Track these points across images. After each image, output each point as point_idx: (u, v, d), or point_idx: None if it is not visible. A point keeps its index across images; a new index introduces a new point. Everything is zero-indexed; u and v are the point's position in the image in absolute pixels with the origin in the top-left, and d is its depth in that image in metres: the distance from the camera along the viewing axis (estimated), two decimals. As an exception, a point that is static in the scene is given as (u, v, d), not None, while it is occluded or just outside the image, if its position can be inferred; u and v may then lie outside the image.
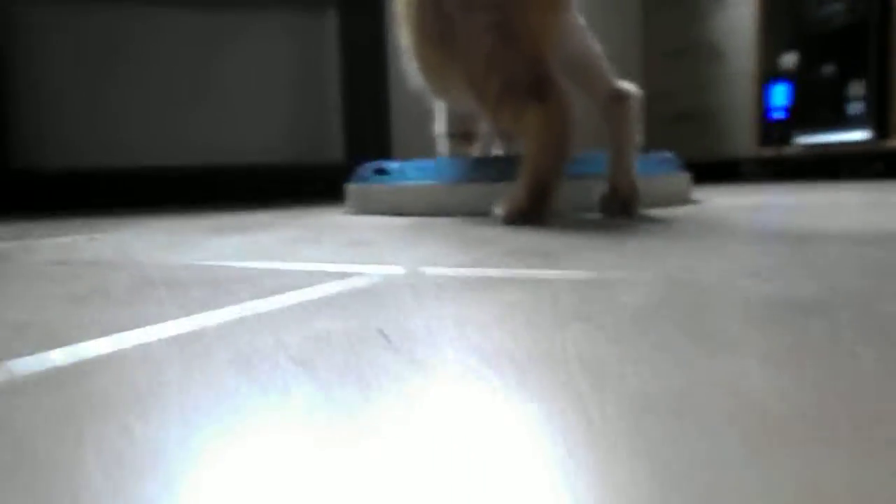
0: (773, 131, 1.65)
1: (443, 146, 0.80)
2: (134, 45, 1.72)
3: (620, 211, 0.63)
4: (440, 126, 0.80)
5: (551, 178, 0.55)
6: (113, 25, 1.71)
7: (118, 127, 1.73)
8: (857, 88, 1.41)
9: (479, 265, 0.34)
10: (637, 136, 0.65)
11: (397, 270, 0.33)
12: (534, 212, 0.55)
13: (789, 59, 1.61)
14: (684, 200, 0.79)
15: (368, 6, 1.54)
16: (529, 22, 0.56)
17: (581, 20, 0.64)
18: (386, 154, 1.64)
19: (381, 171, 0.79)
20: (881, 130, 1.39)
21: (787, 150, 1.60)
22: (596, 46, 0.64)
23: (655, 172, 0.75)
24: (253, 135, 1.84)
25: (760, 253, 0.35)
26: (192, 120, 1.78)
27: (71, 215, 1.07)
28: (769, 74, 1.67)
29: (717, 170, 1.87)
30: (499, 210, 0.57)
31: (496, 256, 0.37)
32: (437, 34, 0.62)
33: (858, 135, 1.41)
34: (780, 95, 1.64)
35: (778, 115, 1.64)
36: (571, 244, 0.41)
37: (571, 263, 0.33)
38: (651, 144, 2.07)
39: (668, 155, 0.84)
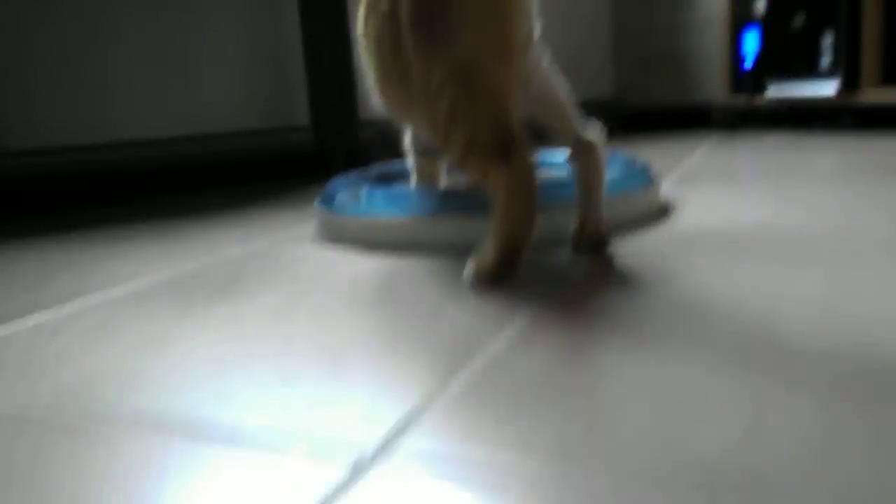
0: (745, 79, 1.63)
1: (410, 161, 0.79)
2: (91, 16, 1.64)
3: (591, 250, 0.64)
4: (407, 142, 0.78)
5: (520, 240, 0.55)
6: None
7: (79, 102, 1.66)
8: (827, 40, 1.39)
9: (457, 433, 0.34)
10: (604, 181, 0.64)
11: (367, 449, 0.33)
12: (504, 273, 0.55)
13: (760, 5, 1.57)
14: (655, 213, 0.78)
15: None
16: (489, 79, 0.54)
17: (546, 58, 0.62)
18: (353, 113, 1.59)
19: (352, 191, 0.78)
20: (851, 84, 1.37)
21: (759, 99, 1.58)
22: (561, 88, 0.63)
23: (623, 190, 0.74)
24: (215, 103, 1.78)
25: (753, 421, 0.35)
26: (147, 90, 1.72)
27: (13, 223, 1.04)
28: (741, 20, 1.63)
29: (689, 116, 1.86)
30: (470, 269, 0.57)
31: (473, 410, 0.37)
32: (399, 75, 0.59)
33: (829, 87, 1.40)
34: (751, 42, 1.61)
35: (749, 62, 1.62)
36: (537, 372, 0.41)
37: (531, 447, 0.33)
38: (622, 89, 2.05)
39: (635, 163, 0.83)
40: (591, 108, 2.21)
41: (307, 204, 1.05)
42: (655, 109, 1.98)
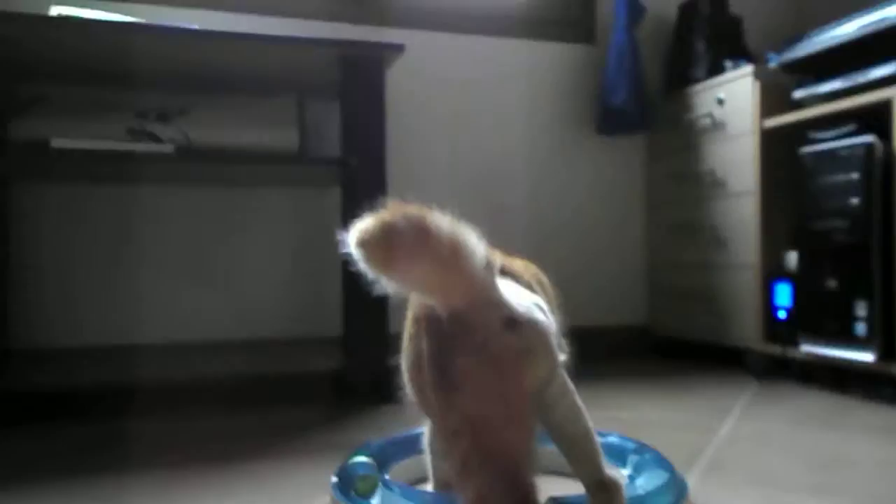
0: (779, 330, 1.62)
1: (428, 462, 0.78)
2: (135, 224, 1.73)
3: None
4: (427, 439, 0.78)
5: None
6: (113, 205, 1.73)
7: (115, 307, 1.72)
8: (861, 308, 1.39)
9: None
10: None
11: None
12: None
13: (792, 259, 1.59)
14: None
15: (371, 186, 1.54)
16: (500, 439, 0.54)
17: (570, 388, 0.62)
18: (382, 324, 1.58)
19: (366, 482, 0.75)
20: (888, 356, 1.35)
21: (793, 352, 1.56)
22: (584, 421, 0.62)
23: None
24: (249, 308, 1.82)
25: None
26: (193, 299, 1.77)
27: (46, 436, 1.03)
28: (773, 272, 1.65)
29: (722, 355, 1.84)
30: None
31: None
32: (424, 396, 0.60)
33: (865, 356, 1.38)
34: (784, 295, 1.62)
35: (783, 314, 1.62)
36: None
37: None
38: (656, 319, 2.05)
39: (665, 469, 0.80)
40: (625, 333, 2.21)
41: (324, 456, 1.03)
42: (688, 342, 1.97)
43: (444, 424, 0.56)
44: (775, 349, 1.62)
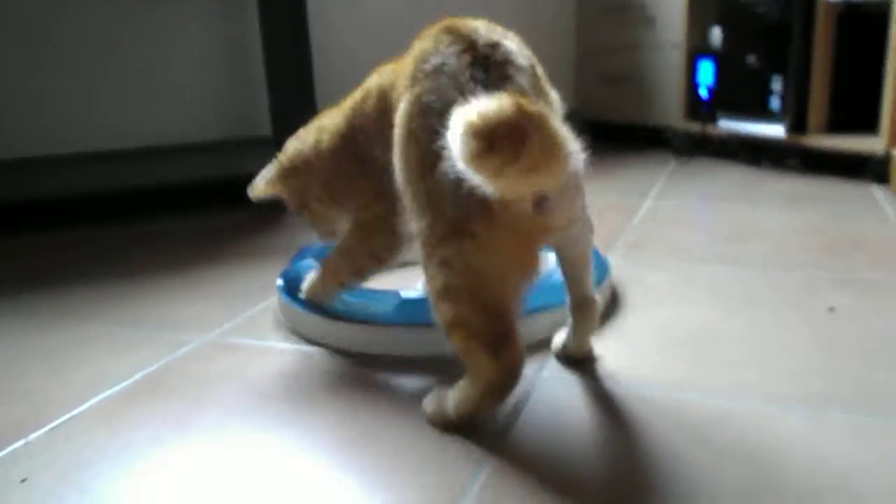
0: (700, 107, 1.67)
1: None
2: (49, 25, 1.60)
3: (574, 364, 0.69)
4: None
5: (482, 414, 0.57)
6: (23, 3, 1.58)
7: (28, 112, 1.63)
8: (777, 84, 1.44)
9: None
10: (596, 326, 0.69)
11: None
12: (459, 425, 0.58)
13: (716, 36, 1.60)
14: (606, 304, 0.82)
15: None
16: (498, 290, 0.53)
17: (585, 217, 0.61)
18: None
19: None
20: (798, 129, 1.43)
21: (712, 129, 1.63)
22: (586, 251, 0.64)
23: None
24: (176, 113, 1.76)
25: None
26: (106, 101, 1.70)
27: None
28: (697, 50, 1.67)
29: (647, 135, 1.90)
30: (427, 411, 0.60)
31: None
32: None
33: (777, 129, 1.45)
34: (707, 72, 1.65)
35: (704, 92, 1.66)
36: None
37: None
38: (585, 102, 2.07)
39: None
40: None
41: (267, 259, 1.06)
42: (615, 124, 2.02)
43: (432, 246, 0.54)
44: (696, 127, 1.68)
